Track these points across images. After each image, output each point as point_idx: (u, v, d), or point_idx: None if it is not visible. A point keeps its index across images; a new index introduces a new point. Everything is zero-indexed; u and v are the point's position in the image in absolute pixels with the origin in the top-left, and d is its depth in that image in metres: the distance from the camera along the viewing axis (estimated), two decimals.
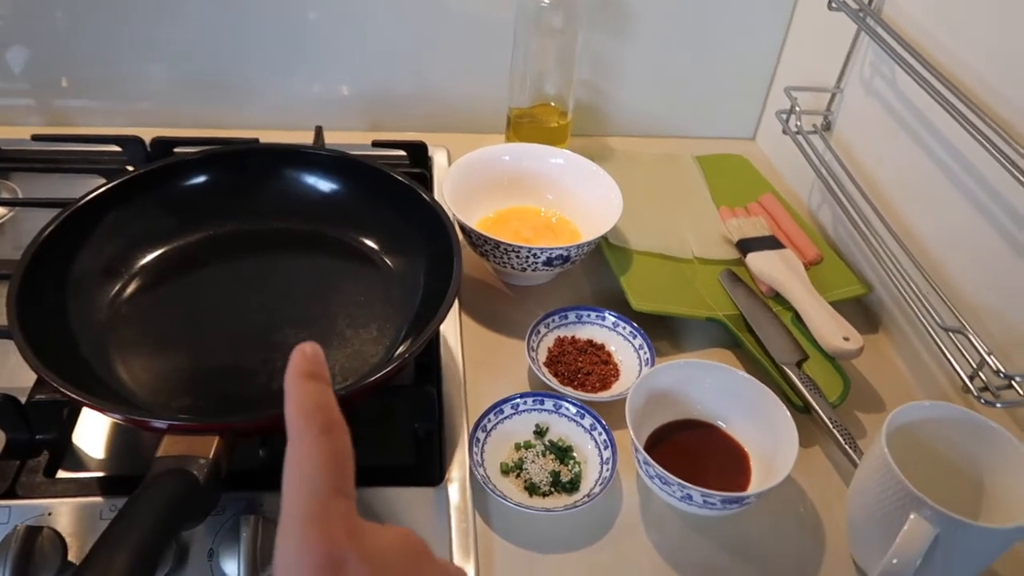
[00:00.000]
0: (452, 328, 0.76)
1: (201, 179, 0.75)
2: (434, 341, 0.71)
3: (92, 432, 0.63)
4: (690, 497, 0.58)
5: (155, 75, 0.97)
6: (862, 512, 0.57)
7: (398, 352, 0.65)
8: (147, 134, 0.88)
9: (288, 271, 0.74)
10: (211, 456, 0.49)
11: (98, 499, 0.57)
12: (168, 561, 0.53)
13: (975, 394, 0.60)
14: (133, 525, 0.43)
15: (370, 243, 0.76)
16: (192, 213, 0.74)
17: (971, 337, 0.63)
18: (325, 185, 0.77)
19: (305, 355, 0.32)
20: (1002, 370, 0.59)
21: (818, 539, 0.62)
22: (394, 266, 0.74)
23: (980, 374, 0.61)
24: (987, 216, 0.67)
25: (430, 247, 0.70)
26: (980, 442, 0.57)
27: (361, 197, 0.75)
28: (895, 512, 0.53)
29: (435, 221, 0.70)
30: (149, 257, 0.72)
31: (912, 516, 0.52)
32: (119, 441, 0.63)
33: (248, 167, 0.76)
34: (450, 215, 0.71)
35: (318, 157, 0.77)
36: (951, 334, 0.64)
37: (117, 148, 0.89)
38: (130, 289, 0.70)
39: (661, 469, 0.58)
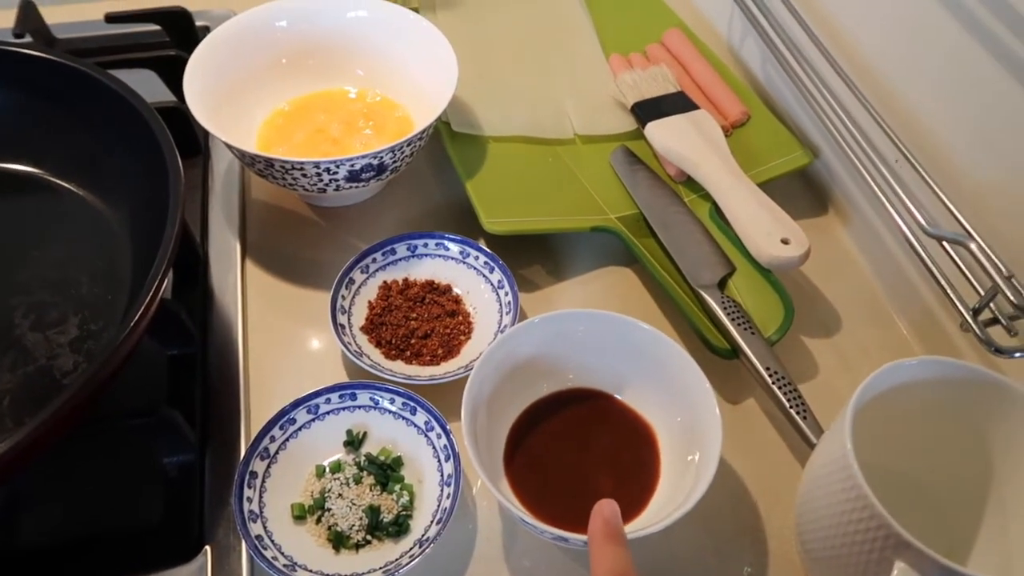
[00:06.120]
0: (230, 290, 0.53)
1: None
2: (182, 324, 0.47)
3: None
4: (565, 540, 0.38)
5: None
6: (821, 540, 0.37)
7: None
8: None
9: None
10: None
11: None
12: None
13: (979, 334, 0.39)
14: None
15: (60, 181, 0.50)
16: None
17: (975, 245, 0.41)
18: None
19: (605, 519, 0.35)
20: None
21: (758, 550, 0.44)
22: (106, 214, 0.49)
23: (990, 305, 0.39)
24: (990, 44, 0.43)
25: (150, 178, 0.45)
26: (992, 408, 0.38)
27: (24, 106, 0.49)
28: (871, 553, 0.34)
29: (142, 133, 0.45)
30: None
31: (899, 565, 0.33)
32: None
33: None
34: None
35: None
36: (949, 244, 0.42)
37: None
38: None
39: (525, 512, 0.37)
